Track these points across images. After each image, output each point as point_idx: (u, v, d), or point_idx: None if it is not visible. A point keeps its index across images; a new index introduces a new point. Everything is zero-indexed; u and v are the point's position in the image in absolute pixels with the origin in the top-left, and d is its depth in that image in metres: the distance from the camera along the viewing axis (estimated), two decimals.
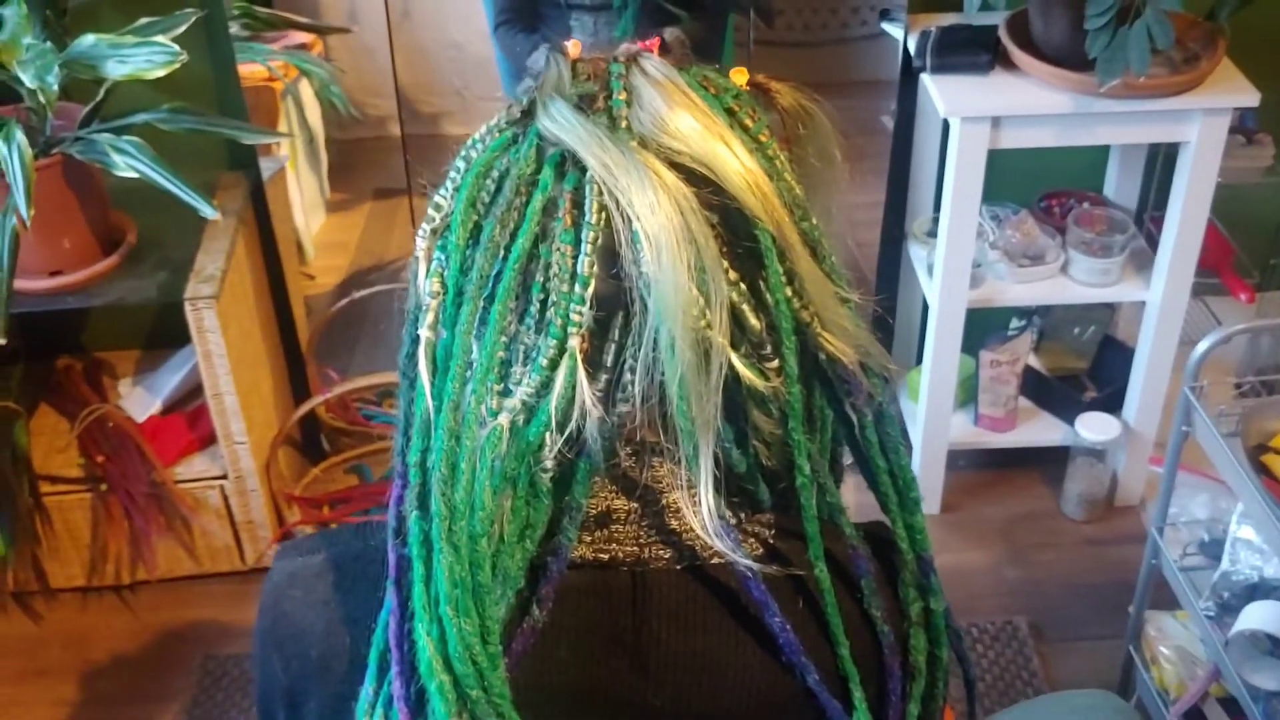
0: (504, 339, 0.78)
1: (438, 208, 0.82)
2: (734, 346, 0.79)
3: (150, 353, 2.43)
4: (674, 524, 0.85)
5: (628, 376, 0.79)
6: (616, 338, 0.79)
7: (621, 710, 0.86)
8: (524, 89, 0.84)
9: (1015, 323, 2.42)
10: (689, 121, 0.78)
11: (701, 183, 0.77)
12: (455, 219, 0.80)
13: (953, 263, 2.16)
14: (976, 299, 2.22)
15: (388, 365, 2.51)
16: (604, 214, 0.77)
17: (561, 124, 0.79)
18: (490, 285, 0.79)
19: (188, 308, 1.99)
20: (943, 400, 2.32)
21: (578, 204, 0.78)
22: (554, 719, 0.80)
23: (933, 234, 2.32)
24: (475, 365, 0.78)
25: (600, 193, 0.77)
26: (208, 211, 1.78)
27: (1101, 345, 2.52)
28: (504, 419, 0.78)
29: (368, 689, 0.81)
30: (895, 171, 2.45)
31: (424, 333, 0.80)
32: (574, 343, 0.77)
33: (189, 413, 2.28)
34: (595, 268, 0.77)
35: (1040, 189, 2.40)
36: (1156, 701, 1.83)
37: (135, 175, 1.78)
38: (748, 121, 0.82)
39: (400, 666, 0.77)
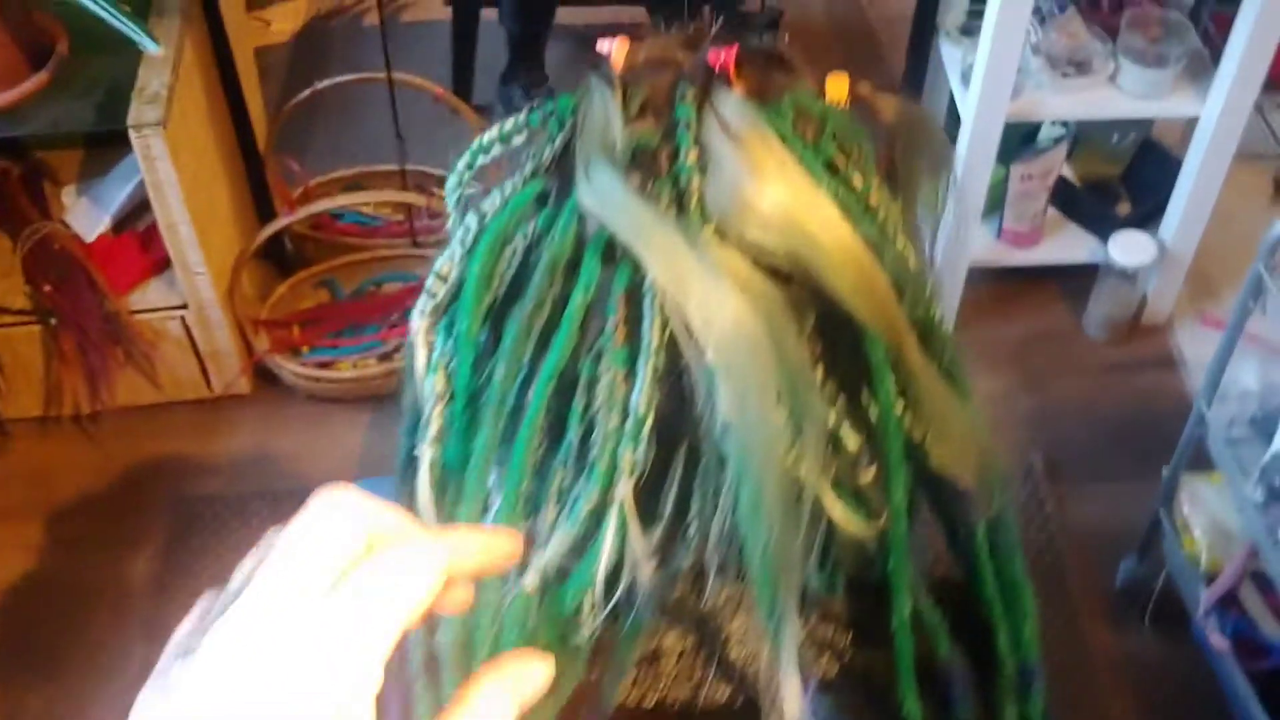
0: (530, 468, 0.60)
1: (441, 278, 0.62)
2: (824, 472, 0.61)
3: (94, 152, 2.19)
4: (734, 655, 0.70)
5: (693, 527, 0.62)
6: (678, 479, 0.61)
7: None
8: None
9: (1049, 132, 2.20)
10: (781, 199, 0.57)
11: (797, 276, 0.58)
12: (466, 301, 0.60)
13: (996, 69, 1.91)
14: (1015, 111, 1.99)
15: (348, 158, 2.31)
16: (667, 332, 0.57)
17: (610, 203, 0.57)
18: (513, 400, 0.60)
19: (133, 135, 1.74)
20: (968, 218, 2.13)
21: (633, 319, 0.58)
22: None
23: (968, 31, 2.07)
24: (496, 504, 0.60)
25: (665, 307, 0.57)
26: (149, 46, 1.53)
27: (1139, 150, 2.31)
28: (532, 581, 0.60)
29: None
30: None
31: (426, 449, 0.62)
32: (624, 490, 0.59)
33: (141, 232, 2.06)
34: (656, 401, 0.58)
35: None
36: (1187, 571, 1.74)
37: None
38: (856, 180, 0.61)
39: None
